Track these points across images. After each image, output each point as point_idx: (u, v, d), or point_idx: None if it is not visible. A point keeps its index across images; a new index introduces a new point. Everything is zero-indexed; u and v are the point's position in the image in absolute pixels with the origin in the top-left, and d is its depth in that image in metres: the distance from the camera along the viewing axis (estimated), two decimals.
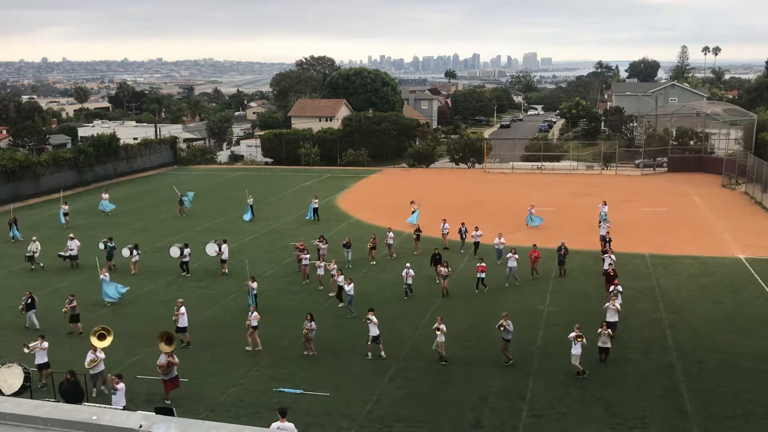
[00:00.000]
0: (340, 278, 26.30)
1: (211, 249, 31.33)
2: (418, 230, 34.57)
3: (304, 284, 29.25)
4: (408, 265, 28.38)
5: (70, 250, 32.51)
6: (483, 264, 28.27)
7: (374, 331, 21.57)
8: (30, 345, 19.97)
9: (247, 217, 42.21)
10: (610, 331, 21.03)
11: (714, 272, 30.39)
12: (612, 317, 22.33)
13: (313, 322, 22.00)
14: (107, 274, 27.54)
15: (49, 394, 18.83)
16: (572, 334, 20.12)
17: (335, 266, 27.62)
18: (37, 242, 32.60)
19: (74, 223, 40.95)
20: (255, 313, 22.71)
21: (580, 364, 20.05)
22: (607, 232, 33.28)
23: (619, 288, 24.05)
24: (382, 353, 21.68)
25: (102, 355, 19.40)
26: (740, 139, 59.59)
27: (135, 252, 31.53)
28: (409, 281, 27.88)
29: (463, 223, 34.75)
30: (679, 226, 39.05)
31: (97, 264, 28.86)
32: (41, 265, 32.33)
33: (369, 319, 21.64)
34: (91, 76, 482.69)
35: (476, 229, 33.64)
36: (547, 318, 25.15)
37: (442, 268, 28.19)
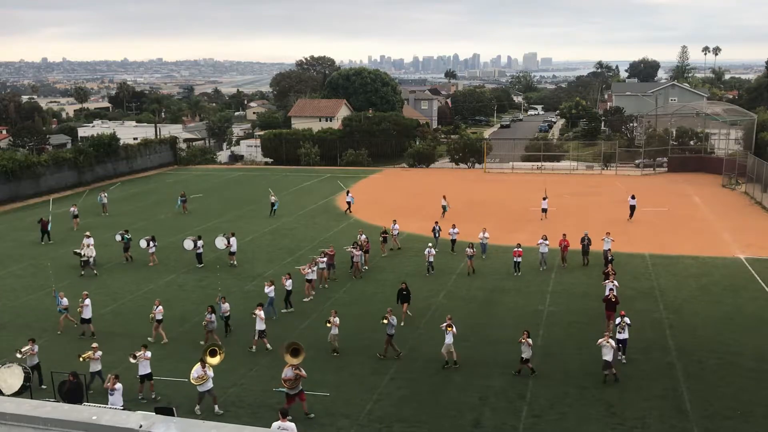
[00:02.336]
0: (288, 282, 26.09)
1: (221, 242, 32.62)
2: (385, 232, 34.29)
3: (323, 288, 28.65)
4: (430, 244, 31.21)
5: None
6: (520, 249, 30.30)
7: (260, 326, 22.37)
8: (136, 354, 19.12)
9: (276, 205, 44.05)
10: (530, 341, 20.00)
11: (714, 272, 30.39)
12: (607, 355, 19.65)
13: (213, 315, 22.76)
14: (64, 298, 25.13)
15: (49, 394, 18.82)
16: (443, 324, 20.89)
17: (310, 270, 27.53)
18: (91, 247, 31.66)
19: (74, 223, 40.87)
20: (159, 307, 23.26)
21: (447, 353, 20.83)
22: (609, 249, 30.65)
23: (627, 320, 21.18)
24: (268, 346, 22.37)
25: (210, 373, 18.11)
26: (740, 139, 59.62)
27: (152, 244, 32.88)
28: (431, 259, 30.40)
29: (436, 222, 35.08)
30: (679, 226, 39.06)
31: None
32: (95, 272, 31.24)
33: (255, 314, 22.35)
34: (91, 76, 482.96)
35: (453, 226, 33.95)
36: (547, 318, 25.15)
37: (468, 249, 30.48)
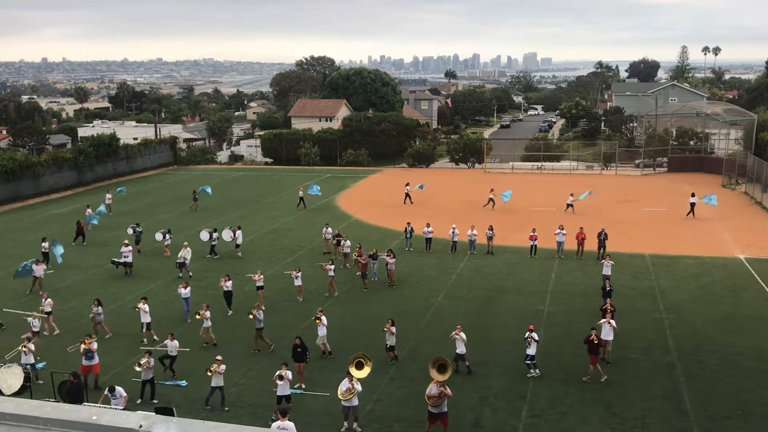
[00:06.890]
0: (228, 283, 26.00)
1: (227, 234, 34.17)
2: (339, 235, 33.83)
3: (336, 296, 28.20)
4: (454, 225, 33.99)
5: (125, 256, 31.10)
6: (535, 234, 32.69)
7: (145, 318, 23.52)
8: (211, 368, 18.25)
9: (317, 190, 46.85)
10: (394, 329, 21.06)
11: (714, 272, 30.40)
12: (459, 348, 20.35)
13: (100, 307, 23.67)
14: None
15: (49, 395, 18.81)
16: (314, 317, 22.20)
17: (261, 277, 27.00)
18: (188, 248, 30.80)
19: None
20: (49, 300, 24.50)
21: (321, 344, 21.77)
22: (609, 277, 27.33)
23: (535, 336, 20.14)
24: (145, 340, 23.27)
25: (359, 387, 17.17)
26: (740, 139, 59.62)
27: (167, 236, 34.37)
28: (455, 239, 33.60)
29: (408, 223, 35.19)
30: (679, 226, 39.06)
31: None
32: (190, 274, 30.49)
33: (138, 307, 23.52)
34: (91, 76, 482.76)
35: (427, 225, 34.39)
36: (547, 318, 25.15)
37: (488, 231, 33.33)
